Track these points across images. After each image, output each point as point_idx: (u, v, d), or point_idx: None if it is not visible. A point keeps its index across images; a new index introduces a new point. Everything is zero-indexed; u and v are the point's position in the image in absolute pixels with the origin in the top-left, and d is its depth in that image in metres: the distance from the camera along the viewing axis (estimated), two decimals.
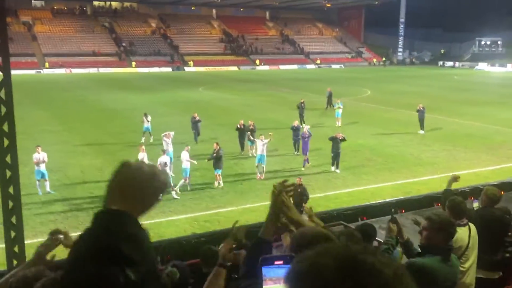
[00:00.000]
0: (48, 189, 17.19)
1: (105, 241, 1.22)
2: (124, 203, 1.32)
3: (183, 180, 17.45)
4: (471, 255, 5.29)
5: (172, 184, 16.94)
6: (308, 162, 20.37)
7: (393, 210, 8.47)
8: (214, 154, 17.80)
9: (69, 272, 1.21)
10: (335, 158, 19.84)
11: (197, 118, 24.57)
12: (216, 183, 17.77)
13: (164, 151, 17.97)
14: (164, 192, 1.43)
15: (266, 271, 2.12)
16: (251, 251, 2.70)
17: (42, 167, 17.11)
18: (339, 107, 29.44)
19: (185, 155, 17.58)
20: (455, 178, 6.71)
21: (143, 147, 19.17)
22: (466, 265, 5.18)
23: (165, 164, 16.97)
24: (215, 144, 18.12)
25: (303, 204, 14.09)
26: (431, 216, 4.29)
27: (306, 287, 0.97)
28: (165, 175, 1.46)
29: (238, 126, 22.65)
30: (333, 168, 19.80)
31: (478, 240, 5.78)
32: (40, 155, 17.20)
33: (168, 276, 5.44)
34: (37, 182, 17.14)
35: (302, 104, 29.49)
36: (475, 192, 11.77)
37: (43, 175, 17.13)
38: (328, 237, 2.36)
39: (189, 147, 18.55)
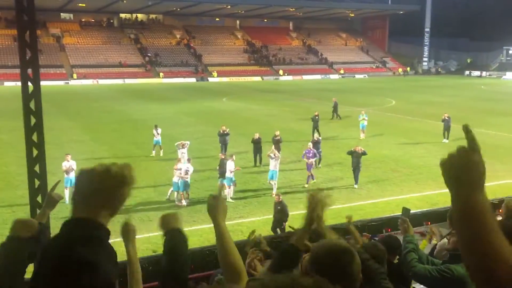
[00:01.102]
0: None
1: (64, 247, 1.27)
2: (85, 210, 1.35)
3: (229, 188, 17.63)
4: None
5: (186, 192, 17.23)
6: (313, 179, 19.51)
7: (404, 208, 8.31)
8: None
9: (35, 275, 1.30)
10: (355, 173, 19.26)
11: (226, 131, 23.77)
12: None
13: (180, 159, 18.15)
14: (125, 185, 1.40)
15: None
16: (281, 258, 2.65)
17: (71, 175, 17.47)
18: (364, 119, 28.59)
19: (230, 165, 17.74)
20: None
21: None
22: None
23: (186, 171, 17.17)
24: (220, 154, 18.34)
25: (283, 223, 13.88)
26: None
27: None
28: (125, 169, 1.42)
29: (254, 138, 22.13)
30: (356, 186, 19.20)
31: None
32: (69, 163, 17.61)
33: None
34: (66, 190, 17.44)
35: (317, 117, 28.66)
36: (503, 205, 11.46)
37: (71, 183, 17.40)
38: (346, 251, 2.33)
39: (234, 156, 18.58)
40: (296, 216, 12.41)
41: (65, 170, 17.43)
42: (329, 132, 29.91)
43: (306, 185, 19.14)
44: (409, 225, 4.59)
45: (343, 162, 21.92)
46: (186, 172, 17.15)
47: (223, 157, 18.48)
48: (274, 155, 18.66)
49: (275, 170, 18.44)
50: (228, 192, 17.54)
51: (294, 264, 2.66)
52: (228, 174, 17.70)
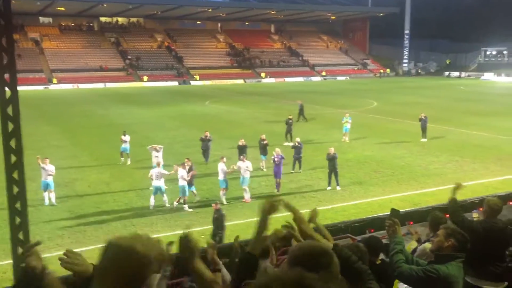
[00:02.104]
0: (53, 200, 17.40)
1: None
2: (107, 285, 1.36)
3: (223, 191, 17.56)
4: None
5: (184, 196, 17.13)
6: (277, 189, 18.68)
7: (392, 209, 8.43)
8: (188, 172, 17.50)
9: None
10: (333, 176, 19.07)
11: (209, 136, 23.25)
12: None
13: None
14: (147, 267, 1.39)
15: None
16: (240, 266, 2.77)
17: (49, 179, 17.39)
18: (347, 121, 27.94)
19: (221, 166, 17.64)
20: (459, 186, 6.68)
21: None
22: None
23: (157, 176, 17.07)
24: (186, 160, 17.99)
25: (219, 232, 13.73)
26: (445, 225, 4.64)
27: None
28: (148, 248, 1.40)
29: (239, 144, 21.74)
30: (329, 188, 18.93)
31: (482, 251, 5.84)
32: (48, 167, 17.49)
33: None
34: (44, 193, 17.42)
35: (290, 120, 28.04)
36: (483, 203, 11.65)
37: (48, 186, 17.39)
38: (325, 252, 2.30)
39: (224, 158, 18.30)
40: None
41: (44, 174, 17.37)
42: (311, 135, 30.03)
43: (277, 191, 18.59)
44: (399, 227, 4.62)
45: (325, 165, 21.99)
46: (157, 177, 17.09)
47: (190, 163, 18.04)
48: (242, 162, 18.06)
49: (245, 177, 17.88)
50: (222, 194, 17.57)
51: (253, 270, 2.76)
52: (221, 177, 17.62)
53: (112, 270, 1.35)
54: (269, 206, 2.78)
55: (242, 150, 21.27)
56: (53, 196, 17.45)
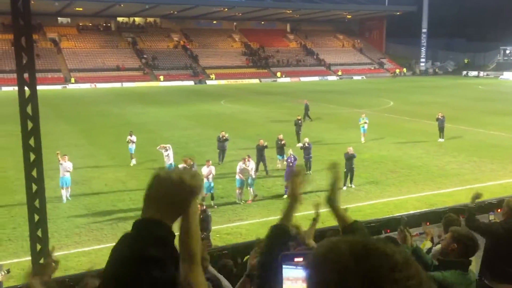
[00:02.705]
0: (68, 195, 17.98)
1: (137, 245, 1.39)
2: (156, 212, 1.48)
3: (238, 191, 17.71)
4: None
5: None
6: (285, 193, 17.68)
7: (401, 217, 8.39)
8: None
9: (106, 272, 1.38)
10: (347, 175, 18.95)
11: (226, 136, 22.86)
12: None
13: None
14: (195, 196, 1.56)
15: (286, 271, 2.16)
16: (270, 240, 2.66)
17: (67, 175, 17.95)
18: (365, 122, 27.54)
19: (241, 166, 17.83)
20: (478, 195, 6.63)
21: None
22: None
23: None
24: (189, 160, 17.87)
25: (204, 233, 13.32)
26: (453, 228, 4.46)
27: (324, 270, 1.07)
28: (195, 180, 1.55)
29: (259, 144, 21.26)
30: (344, 188, 18.64)
31: (503, 252, 5.76)
32: (67, 164, 18.05)
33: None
34: (62, 190, 17.98)
35: (299, 121, 27.77)
36: (501, 204, 11.49)
37: (66, 183, 17.95)
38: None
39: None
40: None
41: (62, 171, 17.86)
42: (326, 134, 29.92)
43: (285, 196, 17.86)
44: (407, 235, 4.58)
45: (341, 164, 21.89)
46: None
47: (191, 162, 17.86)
48: (246, 163, 18.06)
49: (251, 177, 17.96)
50: (238, 193, 17.69)
51: (286, 241, 2.68)
52: (238, 176, 17.68)
53: (163, 198, 1.50)
54: (299, 179, 2.75)
55: (261, 151, 20.96)
56: (68, 191, 18.06)
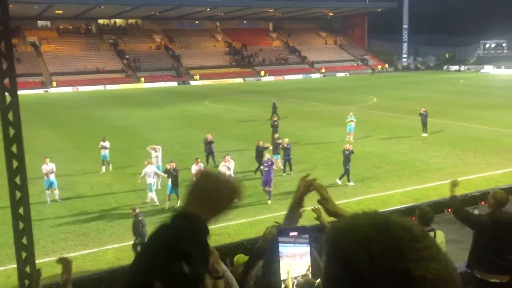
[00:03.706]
0: (57, 197, 17.99)
1: (170, 238, 1.40)
2: (198, 208, 1.51)
3: None
4: None
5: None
6: (269, 198, 17.50)
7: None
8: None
9: (135, 259, 1.40)
10: (349, 172, 19.22)
11: (210, 138, 22.33)
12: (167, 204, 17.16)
13: (148, 162, 18.33)
14: (236, 197, 1.60)
15: (282, 248, 2.21)
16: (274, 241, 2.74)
17: (51, 177, 18.00)
18: (352, 120, 27.03)
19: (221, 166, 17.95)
20: (455, 183, 6.72)
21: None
22: None
23: (151, 174, 17.44)
24: (173, 164, 17.75)
25: (139, 238, 13.03)
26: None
27: (346, 242, 1.08)
28: (239, 183, 1.62)
29: (258, 145, 20.88)
30: (351, 184, 19.06)
31: (491, 243, 5.84)
32: (49, 166, 18.11)
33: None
34: (47, 192, 17.87)
35: (276, 122, 27.04)
36: (485, 196, 11.67)
37: (51, 184, 18.00)
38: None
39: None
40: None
41: (45, 173, 17.92)
42: (311, 132, 30.04)
43: (269, 202, 17.42)
44: None
45: (328, 161, 22.02)
46: (152, 175, 17.54)
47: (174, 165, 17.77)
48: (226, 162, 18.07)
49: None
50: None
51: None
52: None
53: (207, 193, 1.55)
54: (305, 186, 2.78)
55: (260, 152, 20.36)
56: (57, 193, 18.05)
